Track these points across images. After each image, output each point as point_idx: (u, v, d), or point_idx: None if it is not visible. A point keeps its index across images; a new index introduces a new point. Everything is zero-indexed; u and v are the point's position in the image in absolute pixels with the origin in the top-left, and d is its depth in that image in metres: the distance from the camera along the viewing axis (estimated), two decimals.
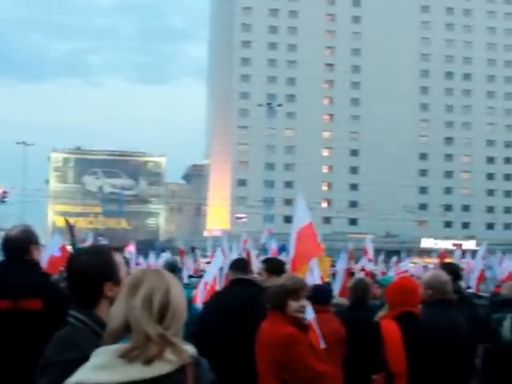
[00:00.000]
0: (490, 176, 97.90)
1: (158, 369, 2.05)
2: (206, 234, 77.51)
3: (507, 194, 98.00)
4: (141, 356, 2.05)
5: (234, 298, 5.48)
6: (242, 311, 5.26)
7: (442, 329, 4.60)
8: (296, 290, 4.37)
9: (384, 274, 17.72)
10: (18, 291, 3.87)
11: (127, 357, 2.05)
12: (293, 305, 4.34)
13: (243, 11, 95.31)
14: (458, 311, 5.10)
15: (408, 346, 4.43)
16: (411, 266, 36.97)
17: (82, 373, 2.07)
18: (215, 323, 5.51)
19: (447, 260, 19.21)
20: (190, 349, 2.16)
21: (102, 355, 2.09)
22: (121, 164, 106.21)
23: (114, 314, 2.17)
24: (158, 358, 2.06)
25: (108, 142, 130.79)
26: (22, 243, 4.17)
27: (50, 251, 11.83)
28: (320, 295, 6.02)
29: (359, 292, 6.73)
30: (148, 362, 2.05)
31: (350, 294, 6.98)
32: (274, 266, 5.92)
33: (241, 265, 6.01)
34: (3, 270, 4.15)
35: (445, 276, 5.15)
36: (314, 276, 7.15)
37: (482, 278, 15.04)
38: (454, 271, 7.04)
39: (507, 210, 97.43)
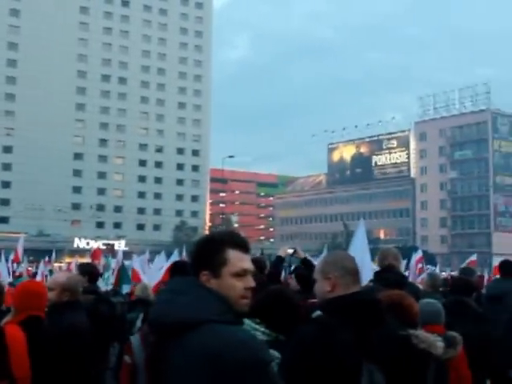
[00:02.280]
0: (142, 178, 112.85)
1: None
2: None
3: (157, 196, 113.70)
4: None
5: None
6: None
7: (66, 331, 4.94)
8: None
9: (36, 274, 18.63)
10: None
11: None
12: None
13: None
14: (94, 311, 5.90)
15: (33, 350, 4.61)
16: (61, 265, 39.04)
17: None
18: None
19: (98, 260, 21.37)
20: None
21: None
22: None
23: None
24: None
25: None
26: None
27: None
28: None
29: None
30: None
31: None
32: None
33: None
34: None
35: (78, 277, 5.77)
36: None
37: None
38: (89, 272, 7.98)
39: (156, 212, 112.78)
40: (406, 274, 15.00)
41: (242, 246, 2.75)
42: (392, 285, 5.19)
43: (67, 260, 53.32)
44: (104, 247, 71.56)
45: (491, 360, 5.85)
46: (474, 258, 21.55)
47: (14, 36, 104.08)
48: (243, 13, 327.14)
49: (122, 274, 14.75)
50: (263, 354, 2.51)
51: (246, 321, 3.11)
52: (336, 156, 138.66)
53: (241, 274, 2.69)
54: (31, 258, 39.49)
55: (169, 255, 16.96)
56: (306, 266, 6.96)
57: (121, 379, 2.73)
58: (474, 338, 5.39)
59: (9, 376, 4.49)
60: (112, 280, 15.75)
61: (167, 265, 14.22)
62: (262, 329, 3.72)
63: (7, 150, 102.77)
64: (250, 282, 2.72)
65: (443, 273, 23.33)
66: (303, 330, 3.31)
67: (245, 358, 2.43)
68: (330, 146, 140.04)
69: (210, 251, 2.70)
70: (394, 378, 3.25)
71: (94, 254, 23.50)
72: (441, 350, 4.30)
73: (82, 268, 8.30)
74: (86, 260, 30.37)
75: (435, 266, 33.22)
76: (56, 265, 34.84)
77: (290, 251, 7.23)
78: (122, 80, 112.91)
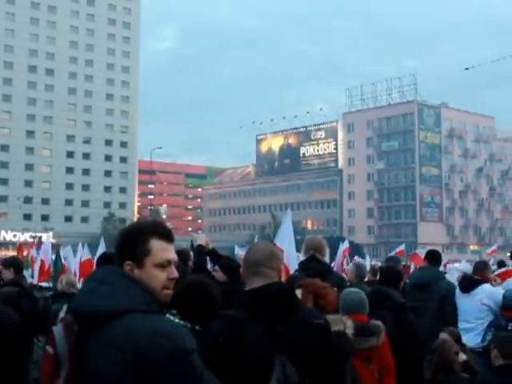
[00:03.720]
0: (70, 170, 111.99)
1: None
2: None
3: (85, 187, 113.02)
4: None
5: None
6: None
7: None
8: None
9: None
10: None
11: None
12: None
13: None
14: (16, 304, 5.19)
15: None
16: None
17: None
18: None
19: (25, 253, 21.08)
20: None
21: None
22: None
23: None
24: None
25: None
26: None
27: None
28: None
29: None
30: None
31: None
32: None
33: None
34: None
35: None
36: None
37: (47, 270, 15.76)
38: (14, 264, 8.04)
39: (84, 204, 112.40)
40: (332, 264, 15.22)
41: (166, 236, 2.71)
42: (316, 274, 5.19)
43: None
44: (31, 240, 70.88)
45: (407, 349, 5.92)
46: (402, 247, 21.92)
47: None
48: (171, 4, 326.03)
49: (57, 265, 14.85)
50: (186, 343, 2.47)
51: (168, 314, 3.03)
52: (264, 147, 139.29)
53: (164, 265, 2.66)
54: None
55: (96, 247, 16.59)
56: (212, 257, 6.94)
57: (41, 369, 2.67)
58: (389, 326, 5.44)
59: None
60: (37, 273, 15.60)
61: (95, 256, 13.89)
62: (177, 320, 3.67)
63: None
64: (173, 272, 2.69)
65: (373, 262, 23.76)
66: (213, 326, 3.31)
67: (166, 347, 2.40)
68: (258, 137, 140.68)
69: (133, 241, 2.65)
70: (313, 366, 3.24)
71: (20, 246, 22.72)
72: (351, 330, 4.42)
73: (6, 261, 8.36)
74: (13, 253, 30.12)
75: (363, 256, 33.67)
76: None
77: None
78: (49, 71, 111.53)
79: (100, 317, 2.49)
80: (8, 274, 7.99)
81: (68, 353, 2.55)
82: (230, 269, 6.49)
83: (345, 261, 16.65)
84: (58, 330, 2.59)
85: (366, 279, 10.15)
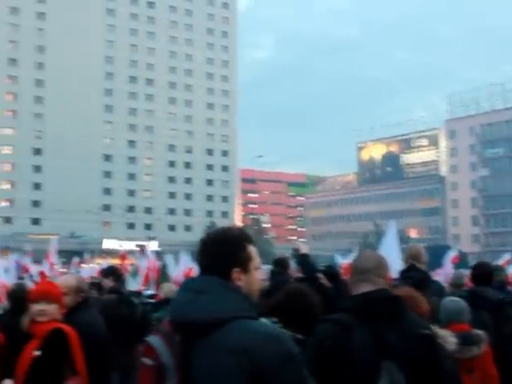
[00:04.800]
0: (171, 179, 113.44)
1: None
2: None
3: (187, 196, 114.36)
4: None
5: None
6: None
7: (84, 330, 5.08)
8: None
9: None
10: None
11: None
12: None
13: None
14: (116, 310, 6.38)
15: None
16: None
17: None
18: None
19: (128, 260, 21.58)
20: None
21: None
22: None
23: None
24: None
25: None
26: None
27: None
28: None
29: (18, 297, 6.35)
30: None
31: (8, 300, 6.95)
32: None
33: None
34: None
35: (82, 277, 5.99)
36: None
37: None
38: (112, 273, 8.53)
39: (187, 213, 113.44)
40: (438, 272, 14.94)
41: (252, 240, 2.86)
42: (416, 283, 5.22)
43: (98, 261, 53.21)
44: (137, 248, 71.98)
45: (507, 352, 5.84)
46: (508, 256, 21.25)
47: (41, 39, 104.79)
48: (267, 13, 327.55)
49: (163, 273, 15.35)
50: (293, 347, 2.58)
51: (263, 320, 3.14)
52: (365, 155, 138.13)
53: (258, 268, 2.82)
54: (64, 260, 39.83)
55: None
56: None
57: (140, 382, 2.73)
58: (490, 325, 5.41)
59: (74, 370, 4.92)
60: (141, 280, 15.89)
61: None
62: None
63: (37, 152, 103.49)
64: (260, 273, 2.89)
65: None
66: (318, 330, 3.34)
67: (277, 351, 2.51)
68: (358, 145, 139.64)
69: (236, 248, 2.76)
70: (421, 376, 3.22)
71: (123, 255, 22.94)
72: (453, 345, 4.42)
73: (105, 270, 8.87)
74: (117, 261, 30.59)
75: (467, 265, 32.64)
76: (84, 265, 35.38)
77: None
78: (149, 81, 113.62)
79: (205, 325, 2.56)
80: (107, 283, 8.37)
81: (176, 362, 2.58)
82: (331, 275, 6.64)
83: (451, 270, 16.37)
84: (156, 340, 2.60)
85: None
